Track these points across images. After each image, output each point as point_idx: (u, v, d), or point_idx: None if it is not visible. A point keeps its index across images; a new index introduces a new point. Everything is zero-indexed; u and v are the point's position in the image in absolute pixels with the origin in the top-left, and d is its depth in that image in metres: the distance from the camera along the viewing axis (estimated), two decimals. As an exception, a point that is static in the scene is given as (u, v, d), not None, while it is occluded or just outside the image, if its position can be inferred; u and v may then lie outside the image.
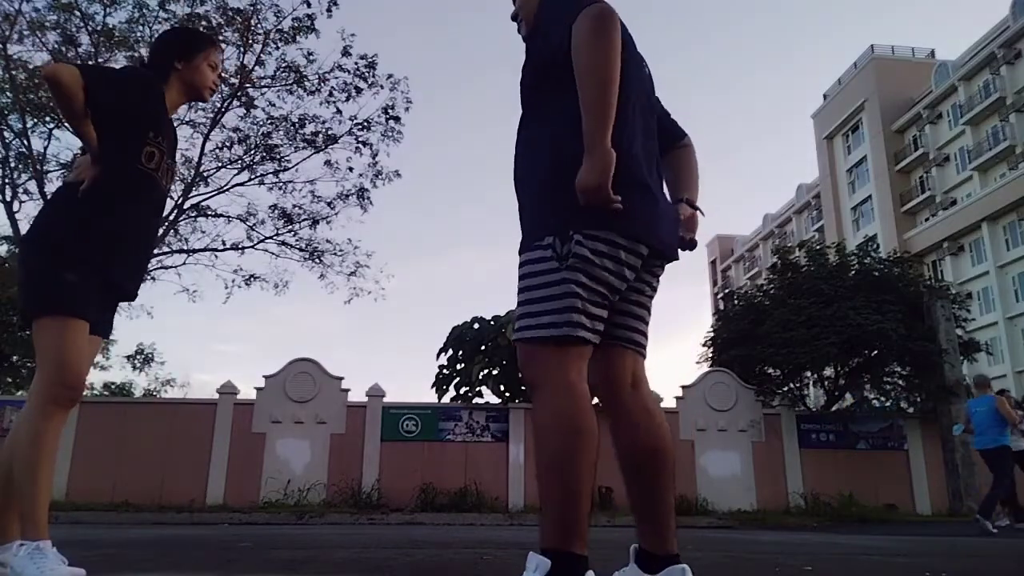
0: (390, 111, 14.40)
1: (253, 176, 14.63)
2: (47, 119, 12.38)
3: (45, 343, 2.03)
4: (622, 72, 1.59)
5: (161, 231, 13.43)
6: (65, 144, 27.24)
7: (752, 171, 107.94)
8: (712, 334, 15.73)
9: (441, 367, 13.56)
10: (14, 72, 12.02)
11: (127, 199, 2.15)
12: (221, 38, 13.18)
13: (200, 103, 13.41)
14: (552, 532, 1.48)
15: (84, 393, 2.10)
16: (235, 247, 15.02)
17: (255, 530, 6.77)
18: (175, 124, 2.51)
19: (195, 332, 72.67)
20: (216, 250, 14.85)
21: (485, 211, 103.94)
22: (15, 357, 20.70)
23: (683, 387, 13.34)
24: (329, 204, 14.91)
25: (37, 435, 1.97)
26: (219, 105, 13.73)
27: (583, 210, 1.55)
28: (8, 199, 12.25)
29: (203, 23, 12.90)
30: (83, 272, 2.05)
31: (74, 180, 2.14)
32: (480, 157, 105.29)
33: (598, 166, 1.49)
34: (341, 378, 12.81)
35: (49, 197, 2.26)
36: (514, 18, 1.94)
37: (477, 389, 13.04)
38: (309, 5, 13.61)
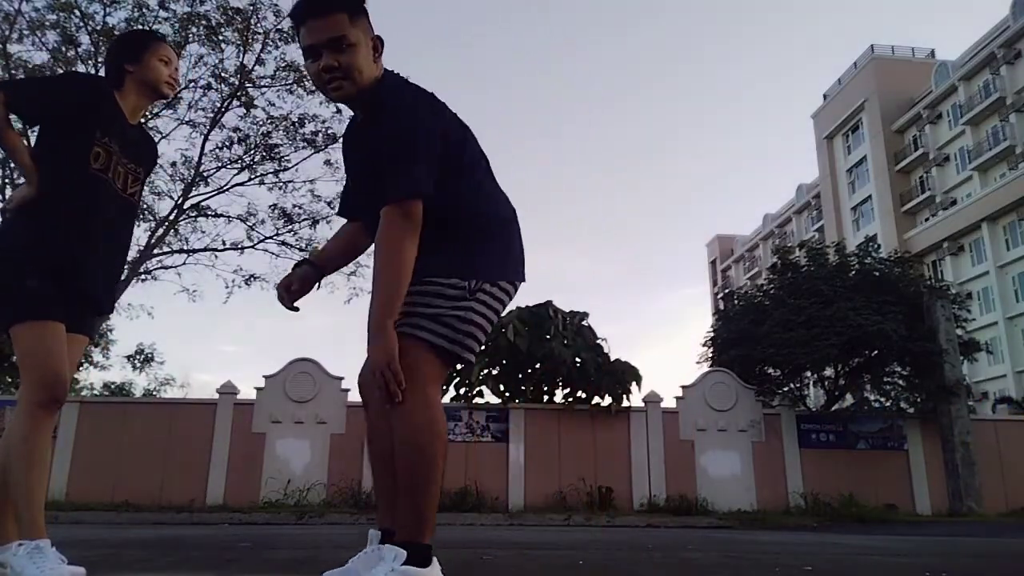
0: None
1: (253, 176, 14.63)
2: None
3: (21, 351, 2.05)
4: (465, 146, 1.84)
5: (161, 231, 13.44)
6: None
7: (752, 171, 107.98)
8: (712, 334, 15.74)
9: (441, 367, 13.54)
10: (14, 72, 12.03)
11: (77, 203, 2.11)
12: (221, 38, 13.18)
13: (198, 109, 13.45)
14: (412, 526, 1.67)
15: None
16: (235, 247, 15.02)
17: (255, 530, 6.77)
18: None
19: (195, 332, 72.65)
20: (216, 250, 14.84)
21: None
22: (15, 357, 20.72)
23: (683, 387, 13.34)
24: (329, 204, 14.90)
25: (27, 439, 2.01)
26: (219, 105, 13.74)
27: (482, 261, 1.81)
28: (8, 199, 12.26)
29: (203, 23, 12.90)
30: (46, 279, 2.05)
31: (15, 208, 2.10)
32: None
33: (384, 347, 1.63)
34: (341, 378, 12.81)
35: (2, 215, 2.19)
36: (341, 43, 1.74)
37: (477, 389, 13.04)
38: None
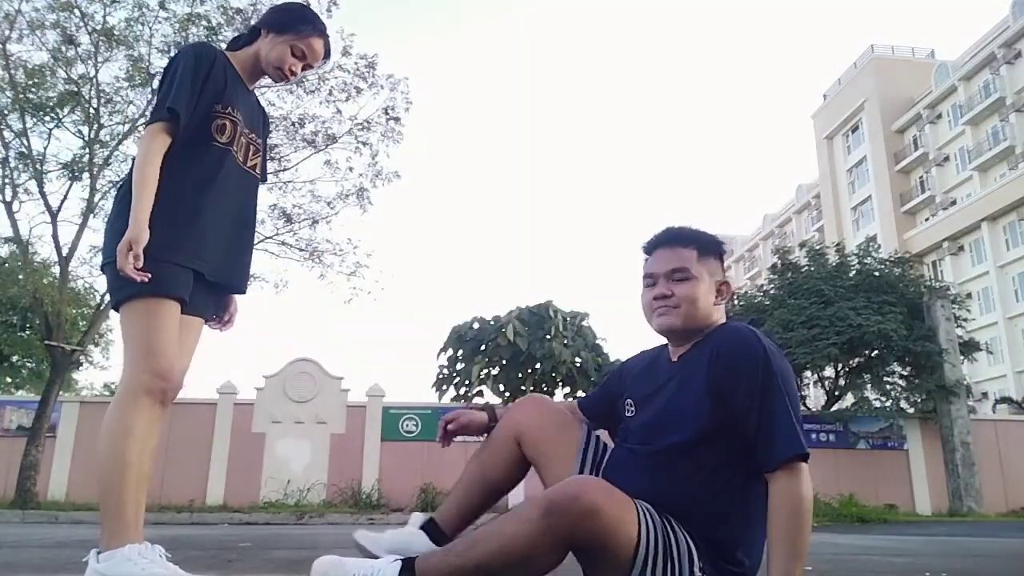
0: (390, 111, 14.37)
1: (253, 176, 14.63)
2: (47, 119, 12.37)
3: (130, 328, 1.84)
4: None
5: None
6: (65, 144, 27.18)
7: (752, 171, 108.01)
8: (712, 334, 15.73)
9: (441, 367, 13.57)
10: (14, 72, 12.00)
11: (201, 179, 1.94)
12: (221, 38, 13.15)
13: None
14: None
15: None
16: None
17: (255, 530, 6.76)
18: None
19: (195, 332, 72.31)
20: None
21: (485, 211, 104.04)
22: (15, 357, 20.67)
23: (683, 387, 13.33)
24: (329, 204, 14.88)
25: (129, 429, 1.77)
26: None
27: None
28: (8, 199, 12.22)
29: (203, 23, 12.87)
30: (168, 257, 1.85)
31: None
32: (481, 157, 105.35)
33: None
34: (341, 378, 12.81)
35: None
36: (680, 275, 1.68)
37: (477, 389, 13.04)
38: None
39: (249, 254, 2.17)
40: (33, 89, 12.13)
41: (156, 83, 2.06)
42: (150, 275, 1.78)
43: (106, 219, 2.05)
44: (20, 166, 12.42)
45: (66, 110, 12.38)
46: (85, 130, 12.45)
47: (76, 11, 12.27)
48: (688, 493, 1.55)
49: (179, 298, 1.88)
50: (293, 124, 14.21)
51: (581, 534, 1.40)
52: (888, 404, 13.75)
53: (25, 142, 12.23)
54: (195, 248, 1.90)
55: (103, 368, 25.63)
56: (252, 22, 13.24)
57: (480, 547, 1.43)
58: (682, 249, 1.71)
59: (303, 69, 2.15)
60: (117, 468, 1.76)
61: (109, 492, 1.75)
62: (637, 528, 1.46)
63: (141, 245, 1.76)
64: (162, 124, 1.90)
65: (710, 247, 1.74)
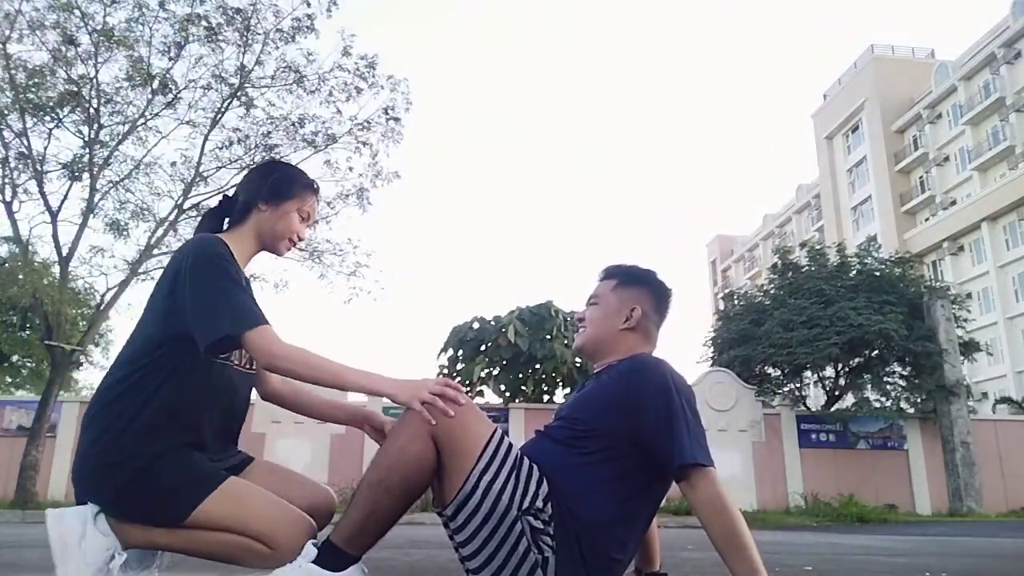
0: (390, 111, 14.35)
1: (253, 176, 14.62)
2: (47, 119, 12.36)
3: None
4: None
5: (161, 231, 13.42)
6: (65, 144, 27.15)
7: (752, 171, 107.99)
8: (712, 334, 15.74)
9: (441, 367, 13.57)
10: (14, 72, 11.99)
11: (196, 402, 1.77)
12: (220, 38, 13.14)
13: (198, 109, 13.46)
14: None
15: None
16: (235, 247, 14.97)
17: (255, 530, 6.75)
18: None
19: (195, 332, 72.30)
20: (216, 250, 14.71)
21: (485, 211, 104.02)
22: (15, 357, 20.66)
23: (683, 387, 13.32)
24: (329, 204, 14.87)
25: None
26: (219, 105, 13.71)
27: None
28: (8, 199, 12.21)
29: (203, 23, 12.86)
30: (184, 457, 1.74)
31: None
32: (482, 156, 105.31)
33: None
34: (341, 378, 12.80)
35: None
36: (593, 300, 1.95)
37: (478, 389, 13.05)
38: (309, 5, 13.58)
39: (240, 425, 1.98)
40: (33, 89, 12.12)
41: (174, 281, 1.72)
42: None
43: (77, 451, 1.77)
44: (20, 166, 12.42)
45: (66, 110, 12.37)
46: (85, 130, 12.45)
47: (76, 11, 12.27)
48: (576, 472, 1.65)
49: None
50: (293, 124, 14.20)
51: (442, 419, 1.56)
52: (888, 404, 13.75)
53: (25, 142, 12.22)
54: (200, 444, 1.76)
55: (103, 368, 25.57)
56: (251, 23, 13.27)
57: (370, 472, 1.59)
58: (605, 280, 1.99)
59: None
60: None
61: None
62: (487, 441, 1.58)
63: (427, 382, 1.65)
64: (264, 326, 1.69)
65: (633, 278, 1.96)
